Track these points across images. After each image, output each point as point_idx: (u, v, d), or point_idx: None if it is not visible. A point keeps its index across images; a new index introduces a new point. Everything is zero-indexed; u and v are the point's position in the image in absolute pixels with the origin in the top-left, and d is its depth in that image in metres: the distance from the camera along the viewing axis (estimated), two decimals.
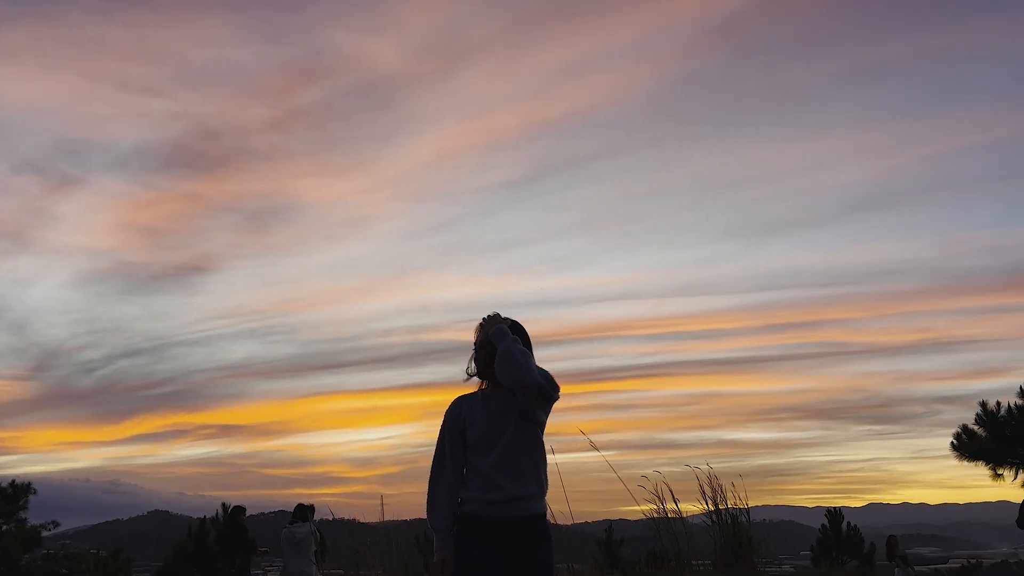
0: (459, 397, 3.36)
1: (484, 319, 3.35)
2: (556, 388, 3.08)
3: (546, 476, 3.23)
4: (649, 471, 12.11)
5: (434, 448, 3.31)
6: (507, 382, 3.12)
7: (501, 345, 3.14)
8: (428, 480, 3.27)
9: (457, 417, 3.28)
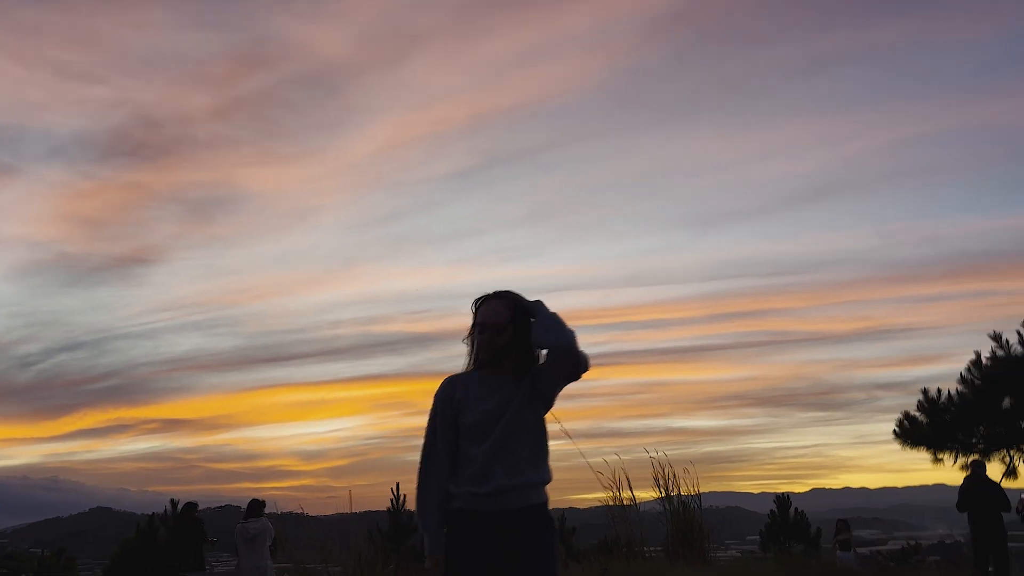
0: (450, 378, 3.00)
1: (480, 300, 3.01)
2: (588, 364, 2.82)
3: (548, 464, 2.93)
4: (607, 458, 12.23)
5: (423, 436, 2.95)
6: (548, 344, 2.78)
7: (542, 310, 2.85)
8: (417, 472, 2.91)
9: (450, 399, 2.92)
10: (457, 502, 2.82)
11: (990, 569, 11.10)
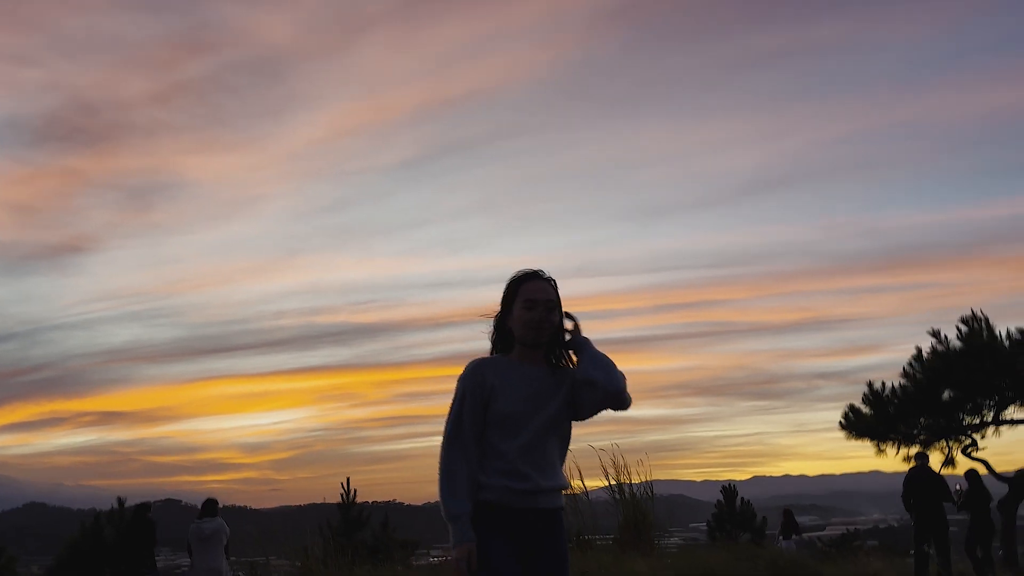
0: (480, 361, 2.80)
1: (520, 277, 2.83)
2: (630, 403, 2.76)
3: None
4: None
5: (446, 419, 2.75)
6: (597, 381, 2.68)
7: (592, 348, 2.76)
8: (441, 458, 2.72)
9: (481, 385, 2.72)
10: (488, 494, 2.69)
11: (930, 551, 11.49)
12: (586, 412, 2.80)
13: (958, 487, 12.27)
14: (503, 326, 2.84)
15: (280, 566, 11.93)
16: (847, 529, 25.93)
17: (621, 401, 2.73)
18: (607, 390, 2.69)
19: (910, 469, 12.11)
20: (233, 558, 11.47)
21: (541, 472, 2.73)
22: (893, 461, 13.27)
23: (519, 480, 2.69)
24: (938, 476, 12.06)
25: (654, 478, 11.67)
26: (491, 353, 2.87)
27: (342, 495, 13.06)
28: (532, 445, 2.72)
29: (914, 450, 12.84)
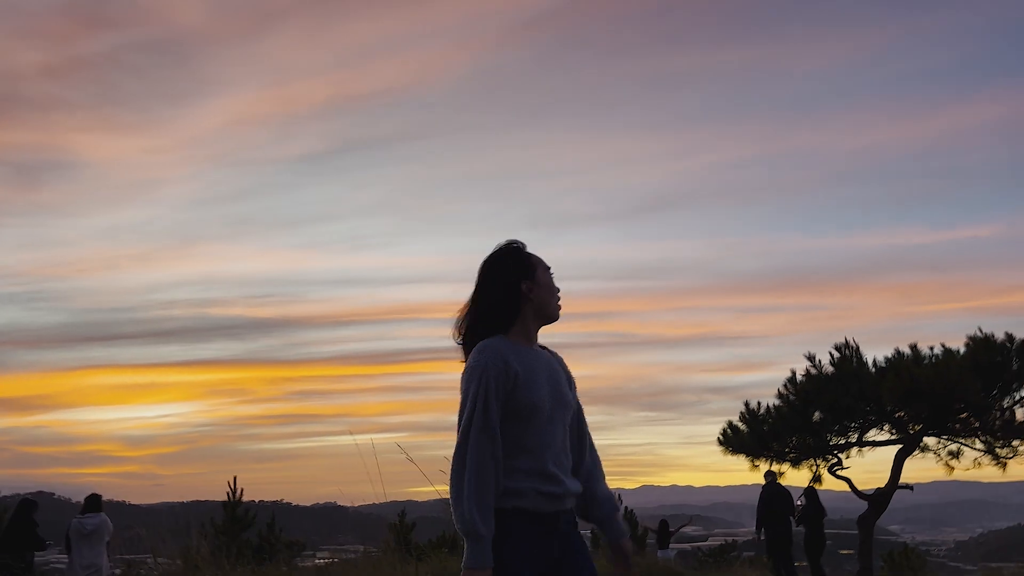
0: (497, 343, 2.34)
1: (523, 248, 2.51)
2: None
3: None
4: (445, 452, 12.45)
5: (464, 413, 2.26)
6: None
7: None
8: (464, 459, 2.23)
9: (505, 371, 2.29)
10: (516, 500, 2.27)
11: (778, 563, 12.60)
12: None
13: (797, 502, 13.29)
14: (515, 299, 2.41)
15: (160, 564, 11.68)
16: (726, 540, 26.98)
17: None
18: None
19: (764, 487, 13.06)
20: (115, 557, 11.18)
21: (566, 473, 2.39)
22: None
23: (550, 483, 2.32)
24: (787, 492, 13.09)
25: None
26: (470, 336, 2.42)
27: (228, 493, 12.88)
28: (557, 441, 2.36)
29: (786, 466, 13.62)
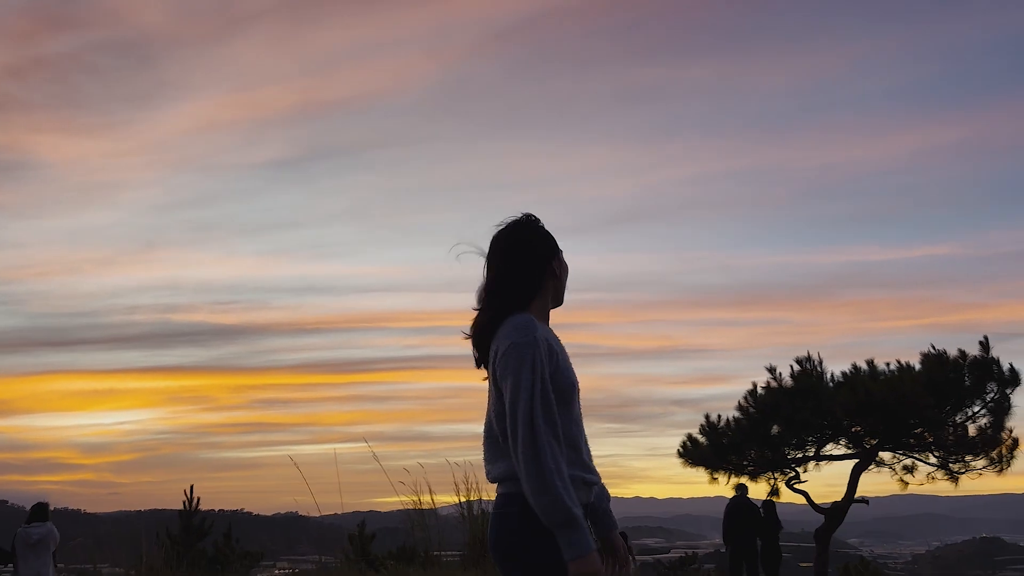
0: (532, 318, 2.15)
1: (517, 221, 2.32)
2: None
3: None
4: (409, 463, 12.37)
5: (522, 398, 2.02)
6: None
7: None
8: (536, 448, 1.98)
9: (549, 351, 2.12)
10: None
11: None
12: None
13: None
14: (544, 275, 2.26)
15: (113, 574, 11.48)
16: (687, 552, 27.12)
17: None
18: None
19: (731, 500, 13.13)
20: (61, 565, 10.95)
21: (592, 459, 2.26)
22: (727, 488, 14.18)
23: (589, 471, 2.20)
24: (754, 506, 13.21)
25: None
26: (495, 311, 2.19)
27: (184, 502, 12.70)
28: (583, 427, 2.22)
29: (744, 479, 13.75)
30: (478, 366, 2.27)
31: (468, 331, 2.25)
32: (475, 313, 2.26)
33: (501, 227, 2.31)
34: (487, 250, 2.30)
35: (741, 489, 13.23)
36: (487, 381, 2.23)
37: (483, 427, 2.25)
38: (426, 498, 11.76)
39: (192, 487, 13.04)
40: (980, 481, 13.09)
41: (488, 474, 2.21)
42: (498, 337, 2.14)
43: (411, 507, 11.72)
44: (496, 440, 2.16)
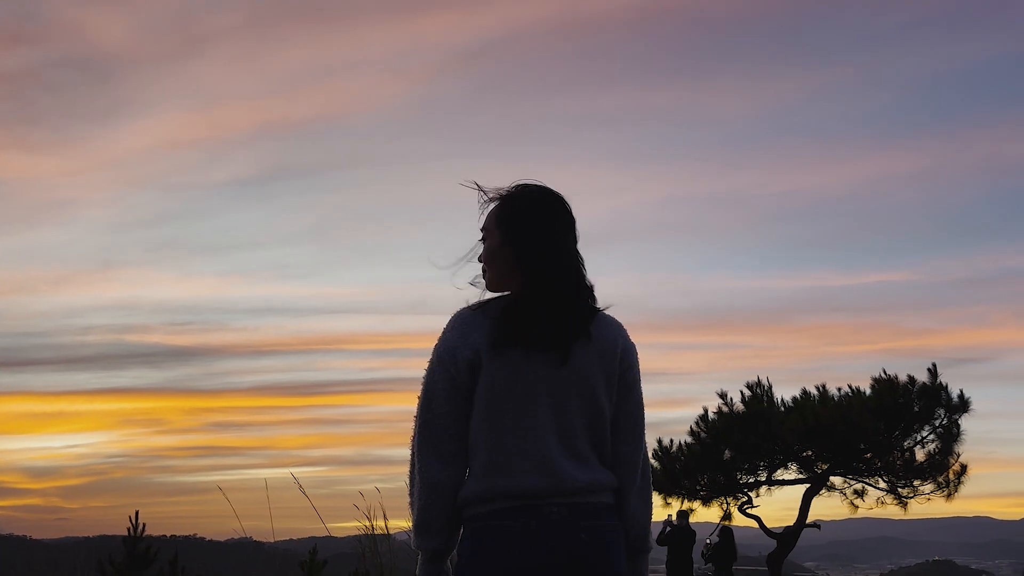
0: None
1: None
2: None
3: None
4: (367, 487, 12.28)
5: (643, 421, 1.89)
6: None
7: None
8: (647, 461, 1.90)
9: None
10: None
11: None
12: None
13: (708, 541, 13.49)
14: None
15: None
16: None
17: None
18: None
19: (671, 524, 13.40)
20: None
21: None
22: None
23: None
24: (691, 531, 13.40)
25: None
26: (579, 301, 1.80)
27: (129, 528, 12.43)
28: None
29: (696, 504, 13.86)
30: (552, 350, 1.73)
31: (546, 312, 1.72)
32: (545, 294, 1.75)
33: (554, 193, 1.86)
34: (539, 213, 1.83)
35: (682, 517, 13.39)
36: (551, 372, 1.74)
37: (531, 423, 1.74)
38: (380, 523, 11.67)
39: (137, 512, 12.77)
40: (931, 504, 13.31)
41: (571, 481, 1.73)
42: (603, 332, 1.79)
43: (365, 532, 11.62)
44: (577, 445, 1.75)
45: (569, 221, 1.84)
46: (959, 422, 13.03)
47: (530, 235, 1.79)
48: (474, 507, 1.75)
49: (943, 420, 13.05)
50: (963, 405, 12.99)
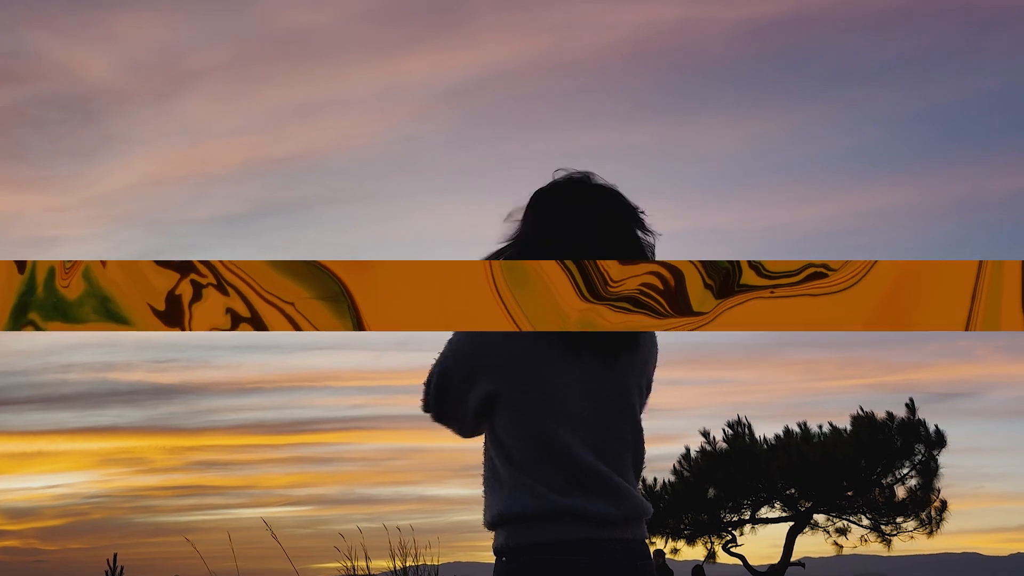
0: None
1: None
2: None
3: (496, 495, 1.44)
4: (349, 527, 12.12)
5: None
6: None
7: None
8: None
9: None
10: None
11: None
12: None
13: None
14: None
15: None
16: None
17: None
18: None
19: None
20: None
21: None
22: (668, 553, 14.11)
23: None
24: (668, 570, 13.28)
25: (454, 559, 11.69)
26: None
27: (107, 572, 12.20)
28: None
29: (680, 543, 13.77)
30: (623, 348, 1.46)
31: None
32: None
33: (611, 187, 1.64)
34: (606, 202, 1.59)
35: (659, 556, 13.28)
36: (598, 370, 1.41)
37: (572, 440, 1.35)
38: (360, 563, 11.51)
39: (116, 555, 12.56)
40: (918, 541, 13.26)
41: (621, 511, 1.34)
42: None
43: (345, 573, 11.46)
44: (626, 459, 1.40)
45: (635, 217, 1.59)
46: (937, 458, 13.08)
47: (552, 218, 1.56)
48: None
49: (922, 455, 13.09)
50: (940, 440, 13.05)
